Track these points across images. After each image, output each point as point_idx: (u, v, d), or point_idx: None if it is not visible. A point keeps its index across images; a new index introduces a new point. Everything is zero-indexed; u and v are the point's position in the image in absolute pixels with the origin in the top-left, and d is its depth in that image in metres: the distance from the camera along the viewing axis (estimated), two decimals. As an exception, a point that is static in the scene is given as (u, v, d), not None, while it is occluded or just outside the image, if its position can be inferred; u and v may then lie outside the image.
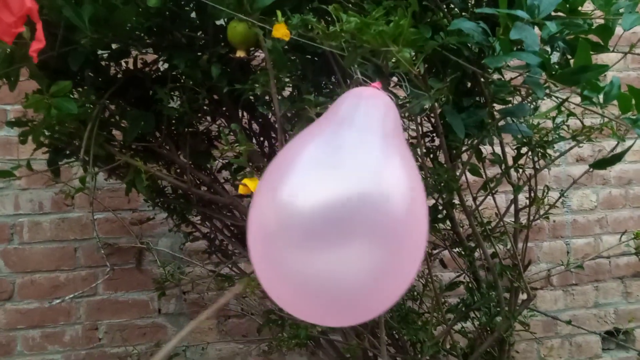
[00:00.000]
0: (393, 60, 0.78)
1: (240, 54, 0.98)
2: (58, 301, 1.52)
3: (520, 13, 0.73)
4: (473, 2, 1.00)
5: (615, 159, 0.91)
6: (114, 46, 1.14)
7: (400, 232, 0.52)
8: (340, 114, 0.61)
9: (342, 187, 0.51)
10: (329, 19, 0.81)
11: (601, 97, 0.78)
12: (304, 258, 0.51)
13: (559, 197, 1.39)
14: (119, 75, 1.19)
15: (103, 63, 1.17)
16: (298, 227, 0.50)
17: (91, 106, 1.08)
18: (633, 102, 0.75)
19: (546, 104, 1.27)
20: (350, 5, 0.93)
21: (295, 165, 0.55)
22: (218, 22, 1.09)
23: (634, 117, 0.75)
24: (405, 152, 0.61)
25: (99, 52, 1.14)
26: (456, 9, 1.00)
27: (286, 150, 0.59)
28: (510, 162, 1.21)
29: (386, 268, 0.52)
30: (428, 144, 1.24)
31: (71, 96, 1.05)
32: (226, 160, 1.26)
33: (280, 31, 0.77)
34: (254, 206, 0.56)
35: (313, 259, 0.50)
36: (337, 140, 0.56)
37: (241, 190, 0.90)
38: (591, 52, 0.84)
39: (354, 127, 0.59)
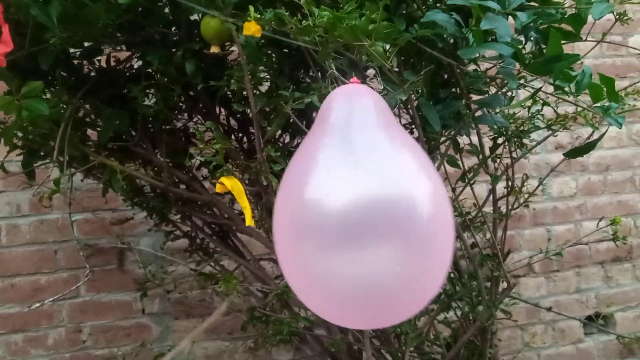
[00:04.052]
0: (366, 54, 0.77)
1: (214, 49, 0.97)
2: (38, 305, 1.50)
3: (491, 4, 0.73)
4: (447, -6, 1.00)
5: (589, 147, 0.92)
6: (85, 44, 1.12)
7: (427, 233, 0.52)
8: (335, 116, 0.62)
9: (366, 187, 0.51)
10: (304, 12, 0.80)
11: (573, 86, 0.79)
12: (335, 259, 0.50)
13: (538, 185, 1.40)
14: (92, 74, 1.17)
15: (75, 61, 1.15)
16: (329, 228, 0.50)
17: (64, 106, 1.06)
18: (604, 90, 0.75)
19: (523, 93, 1.28)
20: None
21: (316, 167, 0.55)
22: (192, 17, 1.08)
23: (606, 106, 0.76)
24: (412, 143, 0.61)
25: (71, 50, 1.12)
26: (430, 0, 0.99)
27: (301, 156, 0.59)
28: (487, 152, 1.22)
29: (415, 270, 0.52)
30: (407, 136, 1.24)
31: (43, 96, 1.03)
32: (204, 158, 1.24)
33: (251, 29, 0.76)
34: (278, 211, 0.56)
35: (343, 260, 0.50)
36: (347, 142, 0.56)
37: (218, 189, 0.90)
38: (564, 42, 0.85)
39: (355, 127, 0.59)
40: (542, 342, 2.00)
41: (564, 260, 1.99)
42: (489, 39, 0.85)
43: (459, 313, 1.36)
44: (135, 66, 1.19)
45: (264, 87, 1.08)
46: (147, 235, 1.67)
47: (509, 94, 1.13)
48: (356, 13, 0.75)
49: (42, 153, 1.17)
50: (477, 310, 1.27)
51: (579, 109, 0.89)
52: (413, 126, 1.20)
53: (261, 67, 1.02)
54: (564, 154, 1.06)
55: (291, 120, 0.99)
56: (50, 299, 1.56)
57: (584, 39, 0.95)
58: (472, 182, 1.24)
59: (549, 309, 1.65)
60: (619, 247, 1.87)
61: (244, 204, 0.87)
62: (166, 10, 1.09)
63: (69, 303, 1.68)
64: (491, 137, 1.22)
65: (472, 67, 1.08)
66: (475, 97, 1.07)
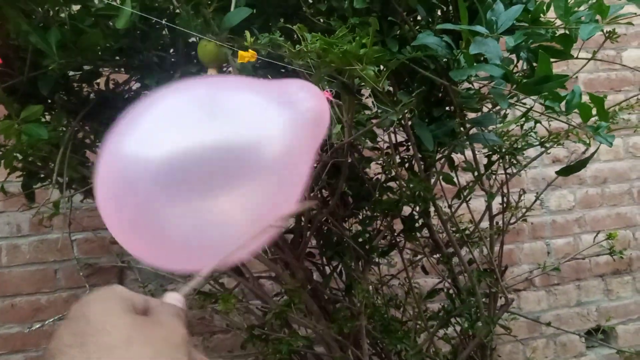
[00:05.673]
0: (358, 78, 0.79)
1: (211, 72, 0.98)
2: (38, 326, 1.50)
3: (479, 29, 0.74)
4: (439, 14, 1.01)
5: (581, 164, 0.93)
6: (85, 67, 1.14)
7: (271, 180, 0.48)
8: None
9: (204, 134, 0.46)
10: (299, 36, 0.81)
11: (563, 105, 0.80)
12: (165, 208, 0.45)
13: (535, 200, 1.41)
14: (91, 96, 1.19)
15: (74, 84, 1.17)
16: (148, 177, 0.44)
17: (63, 129, 1.07)
18: (594, 110, 0.77)
19: (518, 110, 1.29)
20: (319, 20, 0.94)
21: (148, 115, 0.48)
22: (189, 40, 1.09)
23: (596, 125, 0.77)
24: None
25: (70, 73, 1.14)
26: (423, 21, 1.01)
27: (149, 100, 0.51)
28: (482, 169, 1.23)
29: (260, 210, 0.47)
30: (404, 154, 1.25)
31: (43, 119, 1.05)
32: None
33: (245, 57, 0.77)
34: (101, 160, 0.48)
35: (175, 208, 0.45)
36: (214, 95, 0.49)
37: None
38: (554, 60, 0.86)
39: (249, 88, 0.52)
40: (544, 356, 1.99)
41: (564, 274, 1.99)
42: (481, 59, 0.86)
43: (458, 329, 1.36)
44: (134, 88, 1.21)
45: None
46: (146, 254, 1.68)
47: (502, 111, 1.14)
48: (348, 37, 0.76)
49: (41, 175, 1.18)
50: (476, 326, 1.27)
51: (571, 126, 0.90)
52: (409, 144, 1.21)
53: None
54: (555, 172, 1.07)
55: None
56: (51, 320, 1.56)
57: (575, 56, 0.96)
58: (468, 199, 1.25)
59: (548, 324, 1.65)
60: (619, 260, 1.88)
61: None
62: (164, 32, 1.11)
63: (69, 323, 1.68)
64: (485, 155, 1.23)
65: (465, 85, 1.09)
66: (469, 115, 1.09)
